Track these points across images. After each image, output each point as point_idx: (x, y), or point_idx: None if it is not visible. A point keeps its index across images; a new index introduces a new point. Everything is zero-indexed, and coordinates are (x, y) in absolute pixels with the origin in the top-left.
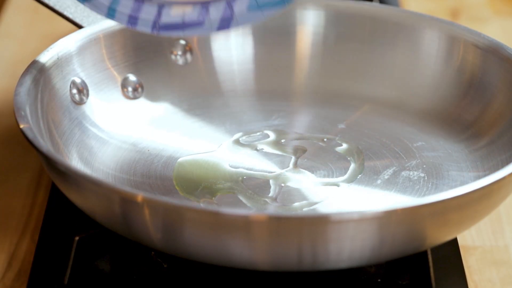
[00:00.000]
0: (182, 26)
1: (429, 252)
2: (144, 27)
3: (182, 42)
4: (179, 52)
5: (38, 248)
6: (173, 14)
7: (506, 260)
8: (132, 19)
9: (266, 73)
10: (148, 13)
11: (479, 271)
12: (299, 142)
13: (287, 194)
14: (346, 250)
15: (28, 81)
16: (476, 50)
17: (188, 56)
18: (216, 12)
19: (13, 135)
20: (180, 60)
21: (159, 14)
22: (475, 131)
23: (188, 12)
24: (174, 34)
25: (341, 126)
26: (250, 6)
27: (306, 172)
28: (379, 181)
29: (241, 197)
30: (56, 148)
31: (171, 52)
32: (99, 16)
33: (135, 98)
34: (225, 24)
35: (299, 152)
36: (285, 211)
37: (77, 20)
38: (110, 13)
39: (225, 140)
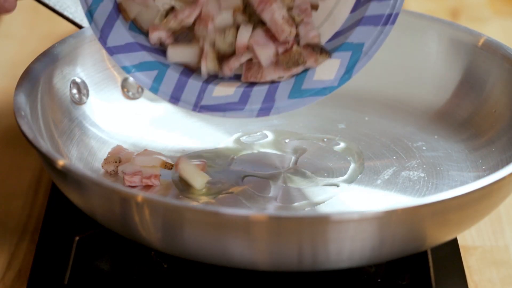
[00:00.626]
0: (223, 108)
1: (429, 252)
2: (185, 105)
3: None
4: None
5: (38, 248)
6: (215, 95)
7: (506, 260)
8: (174, 98)
9: None
10: (190, 92)
11: (479, 271)
12: (299, 142)
13: (287, 194)
14: (346, 250)
15: (28, 81)
16: (476, 50)
17: None
18: (257, 98)
19: (13, 135)
20: None
21: (200, 94)
22: (475, 131)
23: (230, 95)
24: (214, 115)
25: (341, 126)
26: (292, 93)
27: (306, 172)
28: (379, 181)
29: (241, 197)
30: (56, 148)
31: None
32: None
33: (135, 98)
34: (265, 112)
35: (299, 152)
36: (285, 211)
37: (77, 20)
38: (154, 88)
39: (225, 140)
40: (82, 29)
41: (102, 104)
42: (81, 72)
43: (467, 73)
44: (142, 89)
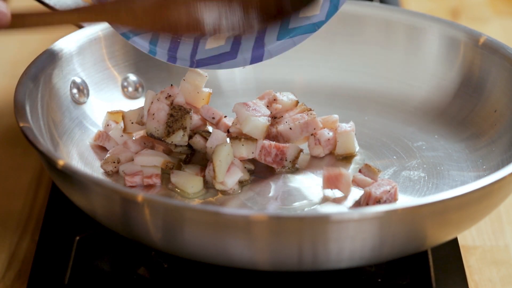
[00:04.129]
0: (217, 60)
1: (429, 252)
2: (183, 63)
3: None
4: None
5: (38, 248)
6: (208, 47)
7: (506, 260)
8: (172, 58)
9: (267, 73)
10: (184, 49)
11: (479, 270)
12: None
13: (287, 194)
14: (346, 250)
15: (28, 81)
16: (476, 50)
17: None
18: (247, 45)
19: (13, 135)
20: None
21: (194, 50)
22: (476, 130)
23: (222, 46)
24: (211, 68)
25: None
26: (281, 34)
27: (306, 172)
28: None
29: (241, 197)
30: (56, 148)
31: None
32: None
33: (135, 98)
34: (258, 58)
35: (299, 151)
36: (285, 211)
37: None
38: (152, 51)
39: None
40: (82, 29)
41: (102, 104)
42: (81, 72)
43: (467, 73)
44: (142, 89)
